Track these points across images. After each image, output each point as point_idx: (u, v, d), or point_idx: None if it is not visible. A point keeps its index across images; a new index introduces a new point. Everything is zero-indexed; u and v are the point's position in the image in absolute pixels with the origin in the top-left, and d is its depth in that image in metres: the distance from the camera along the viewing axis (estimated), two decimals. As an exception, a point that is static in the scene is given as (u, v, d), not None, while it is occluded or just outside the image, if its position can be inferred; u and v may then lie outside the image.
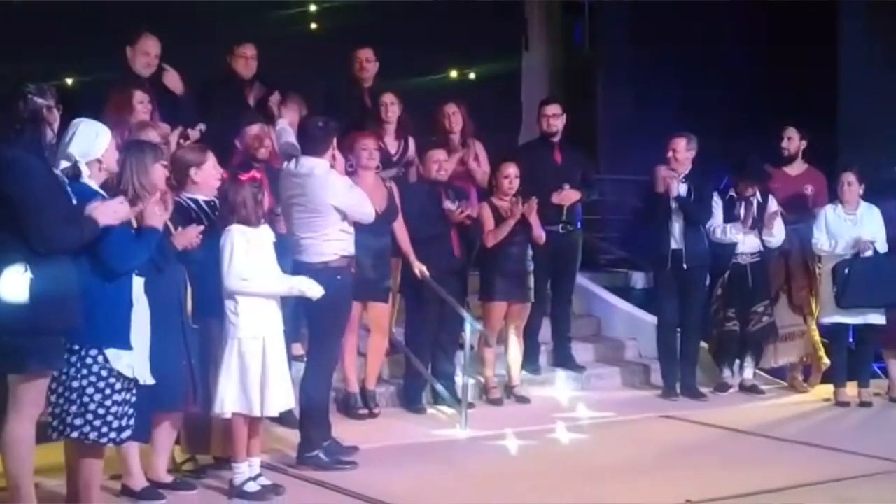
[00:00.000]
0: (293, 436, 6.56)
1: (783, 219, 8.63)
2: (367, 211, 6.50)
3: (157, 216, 5.31)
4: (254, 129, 7.14)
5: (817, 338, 8.82)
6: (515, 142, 10.54)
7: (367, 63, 8.73)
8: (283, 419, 6.53)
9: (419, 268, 7.65)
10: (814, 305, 8.74)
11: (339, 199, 6.32)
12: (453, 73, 10.78)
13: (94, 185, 5.12)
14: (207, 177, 6.00)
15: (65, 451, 5.27)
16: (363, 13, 9.95)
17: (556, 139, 8.80)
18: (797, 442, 7.30)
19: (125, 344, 5.12)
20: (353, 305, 6.85)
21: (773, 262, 8.73)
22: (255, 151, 7.06)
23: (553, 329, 8.97)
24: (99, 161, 5.14)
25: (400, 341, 8.11)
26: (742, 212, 8.50)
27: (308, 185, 6.30)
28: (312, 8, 9.74)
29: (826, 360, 8.79)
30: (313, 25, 9.68)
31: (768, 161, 8.95)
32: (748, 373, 8.82)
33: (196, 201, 5.97)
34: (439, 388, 7.86)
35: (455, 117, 8.51)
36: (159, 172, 5.52)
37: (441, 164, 7.85)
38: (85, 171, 5.07)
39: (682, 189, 8.42)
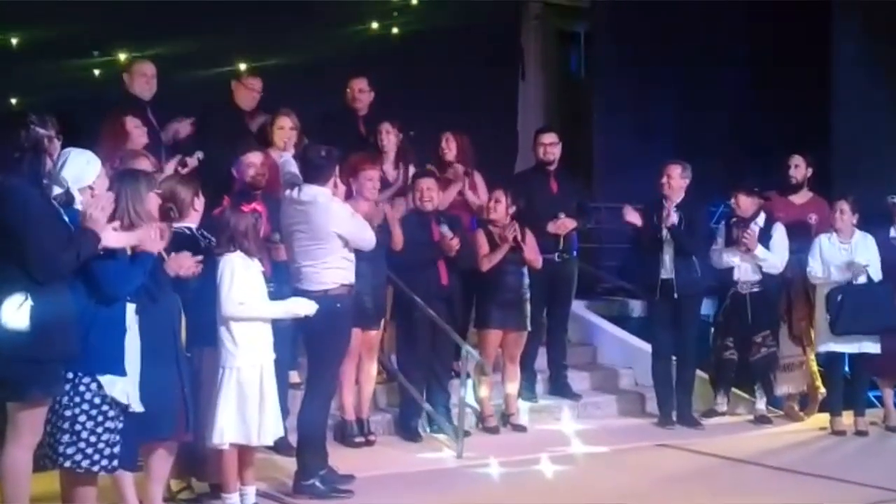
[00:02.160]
0: (289, 464, 6.55)
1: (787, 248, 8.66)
2: (367, 238, 6.53)
3: (152, 241, 5.32)
4: (250, 157, 7.16)
5: (815, 367, 8.83)
6: (512, 170, 10.58)
7: (361, 93, 8.78)
8: (278, 447, 6.52)
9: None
10: (813, 335, 8.75)
11: (342, 226, 6.34)
12: (450, 102, 10.82)
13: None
14: (200, 205, 6.03)
15: (60, 480, 5.26)
16: (359, 42, 10.01)
17: (552, 168, 8.84)
18: (793, 471, 7.29)
19: (120, 370, 5.13)
20: (352, 333, 6.87)
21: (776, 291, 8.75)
22: (252, 179, 7.07)
23: (549, 357, 8.98)
24: (91, 188, 5.16)
25: (395, 369, 8.12)
26: (738, 235, 8.52)
27: (311, 213, 6.32)
28: (310, 37, 9.78)
29: (823, 390, 8.80)
30: (310, 54, 9.72)
31: (771, 188, 8.98)
32: (760, 404, 8.80)
33: (191, 229, 5.99)
34: (435, 415, 7.86)
35: (449, 144, 8.54)
36: (153, 201, 5.54)
37: (425, 191, 7.87)
38: (77, 197, 5.10)
39: (674, 218, 8.43)
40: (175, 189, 5.96)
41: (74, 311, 4.94)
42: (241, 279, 5.80)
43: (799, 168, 9.01)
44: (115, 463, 5.14)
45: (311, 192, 6.36)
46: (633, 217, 8.43)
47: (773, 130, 11.03)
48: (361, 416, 7.67)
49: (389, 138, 8.39)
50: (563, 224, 8.66)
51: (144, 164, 6.29)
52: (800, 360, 8.81)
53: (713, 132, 11.66)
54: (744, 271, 8.58)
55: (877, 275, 8.39)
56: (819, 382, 8.83)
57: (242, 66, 8.65)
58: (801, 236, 8.73)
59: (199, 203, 6.02)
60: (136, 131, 7.16)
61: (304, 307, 5.97)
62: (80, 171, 5.15)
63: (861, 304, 8.21)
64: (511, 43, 12.13)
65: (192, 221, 5.99)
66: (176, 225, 5.85)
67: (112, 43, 8.95)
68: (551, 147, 8.82)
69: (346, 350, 6.70)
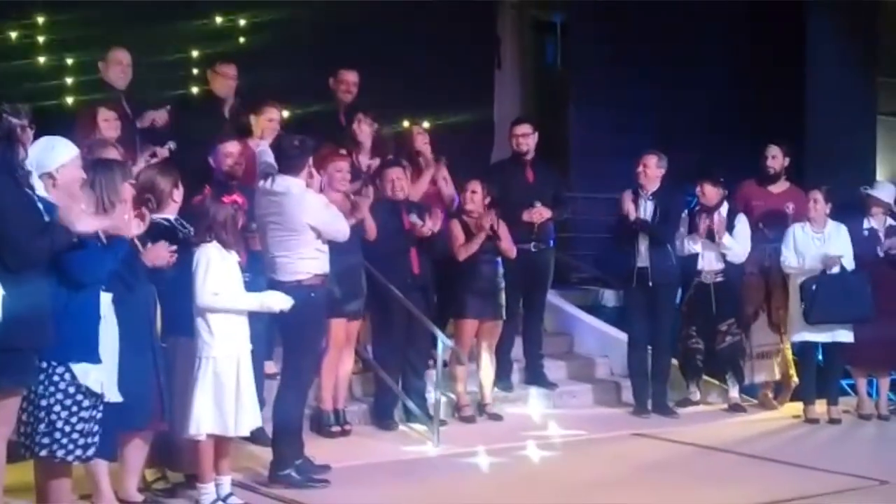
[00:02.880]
0: (265, 454, 6.54)
1: (763, 236, 8.70)
2: (341, 229, 6.52)
3: (126, 226, 5.29)
4: (228, 146, 7.14)
5: (790, 356, 8.89)
6: (488, 160, 10.58)
7: (354, 87, 8.75)
8: (254, 437, 6.51)
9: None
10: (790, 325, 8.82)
11: (315, 217, 6.34)
12: (426, 91, 10.81)
13: (55, 200, 5.09)
14: (179, 196, 6.01)
15: (34, 471, 5.25)
16: (334, 32, 9.96)
17: (528, 158, 8.86)
18: (767, 459, 7.34)
19: (94, 357, 5.12)
20: (332, 323, 6.84)
21: (753, 279, 8.79)
22: (229, 169, 7.05)
23: (525, 347, 9.00)
24: (51, 176, 5.09)
25: (370, 358, 8.12)
26: (701, 223, 8.56)
27: (284, 203, 6.32)
28: (287, 27, 9.74)
29: (796, 379, 8.86)
30: (287, 44, 9.68)
31: (751, 178, 9.03)
32: (733, 392, 8.86)
33: (169, 220, 5.97)
34: (411, 405, 7.87)
35: (420, 136, 8.56)
36: (128, 190, 5.51)
37: (395, 181, 7.87)
38: (38, 184, 5.03)
39: (649, 207, 8.47)
40: (154, 179, 5.94)
41: (48, 299, 4.91)
42: (217, 270, 5.79)
43: (776, 158, 9.05)
44: (91, 452, 5.14)
45: (285, 183, 6.35)
46: (629, 205, 8.43)
47: (749, 123, 11.10)
48: (337, 407, 7.66)
49: (362, 128, 8.36)
50: (538, 213, 8.68)
51: (112, 153, 6.25)
52: (776, 348, 8.86)
53: (690, 124, 11.70)
54: (707, 261, 8.62)
55: (850, 264, 8.44)
56: (793, 371, 8.89)
57: (216, 53, 8.58)
58: (779, 226, 8.78)
59: (178, 194, 6.01)
60: (105, 124, 7.11)
61: (279, 302, 5.96)
62: (43, 156, 5.09)
63: (835, 293, 8.27)
64: (487, 32, 12.11)
65: (170, 212, 5.97)
66: (154, 215, 5.83)
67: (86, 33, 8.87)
68: (525, 138, 8.84)
69: (322, 340, 6.70)
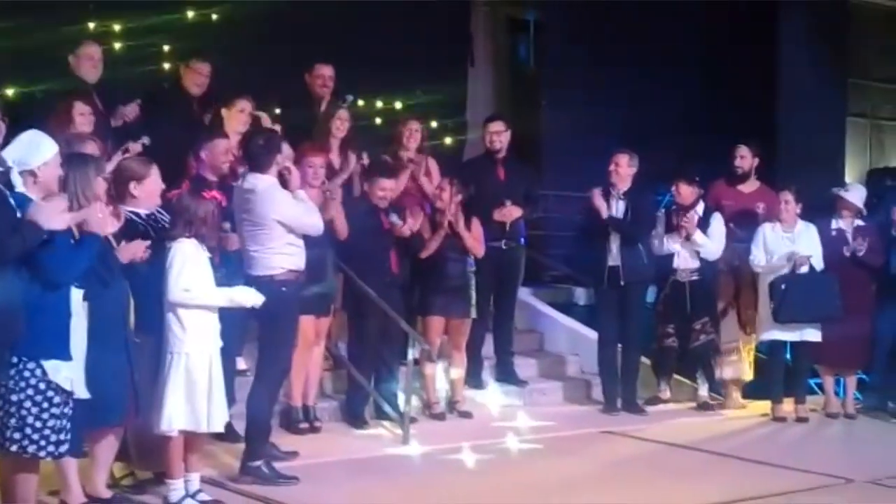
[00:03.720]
0: (234, 451, 6.54)
1: (733, 235, 8.75)
2: (312, 223, 6.54)
3: (99, 222, 5.27)
4: (222, 143, 7.13)
5: (751, 356, 8.94)
6: (460, 157, 10.59)
7: (330, 80, 8.74)
8: (223, 434, 6.49)
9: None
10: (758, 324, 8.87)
11: (282, 212, 6.36)
12: (398, 88, 10.82)
13: (34, 196, 5.08)
14: (149, 191, 5.98)
15: (0, 465, 5.22)
16: (307, 29, 9.94)
17: (500, 156, 8.87)
18: (735, 457, 7.39)
19: (65, 354, 5.11)
20: (300, 319, 6.85)
21: (723, 277, 8.84)
22: (221, 166, 7.06)
23: (496, 344, 9.02)
24: (33, 174, 5.08)
25: (342, 356, 8.12)
26: (677, 221, 8.60)
27: (252, 200, 6.37)
28: (260, 24, 9.71)
29: (748, 378, 8.90)
30: (262, 41, 9.66)
31: (717, 178, 9.08)
32: (703, 391, 8.90)
33: (137, 214, 5.94)
34: (381, 402, 7.87)
35: (415, 135, 8.59)
36: (101, 185, 5.49)
37: (388, 192, 7.88)
38: (17, 180, 5.02)
39: (621, 206, 8.50)
40: (115, 172, 5.93)
41: (18, 295, 4.88)
42: (191, 266, 5.77)
43: (745, 158, 9.10)
44: (62, 449, 5.12)
45: (253, 179, 6.41)
46: (600, 202, 8.45)
47: (722, 123, 11.14)
48: (307, 403, 7.66)
49: (344, 126, 8.35)
50: (509, 212, 8.70)
51: (91, 147, 6.23)
52: (737, 345, 8.89)
53: (662, 123, 11.74)
54: (683, 259, 8.67)
55: (819, 264, 8.51)
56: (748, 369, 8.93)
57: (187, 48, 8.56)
58: (750, 226, 8.83)
59: (140, 189, 5.94)
60: (80, 118, 7.08)
61: (249, 298, 5.96)
62: (26, 153, 5.09)
63: (804, 293, 8.33)
64: (460, 30, 12.11)
65: (138, 206, 5.93)
66: (126, 208, 5.82)
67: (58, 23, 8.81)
68: (498, 135, 8.86)
69: (295, 335, 6.70)
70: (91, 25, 8.68)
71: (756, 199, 9.07)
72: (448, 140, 10.78)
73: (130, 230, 5.73)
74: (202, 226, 5.81)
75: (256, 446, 6.36)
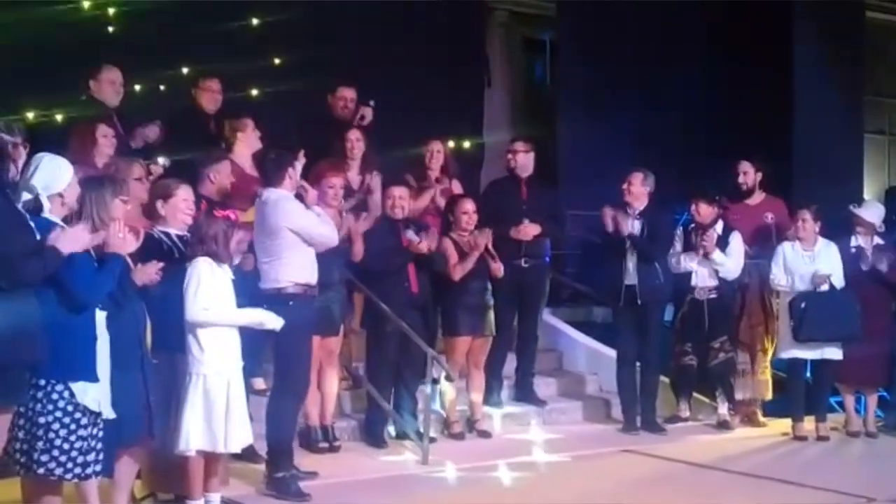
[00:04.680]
0: (253, 471, 6.55)
1: (746, 254, 8.73)
2: (324, 232, 6.56)
3: (119, 243, 5.30)
4: (228, 165, 7.19)
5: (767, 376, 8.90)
6: (478, 177, 10.61)
7: (351, 103, 8.85)
8: (244, 454, 6.51)
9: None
10: (767, 342, 8.82)
11: (294, 221, 6.41)
12: (415, 109, 10.85)
13: (56, 219, 5.13)
14: (175, 210, 6.03)
15: (22, 487, 5.24)
16: (323, 50, 9.99)
17: (524, 176, 8.89)
18: (756, 476, 7.35)
19: (91, 376, 5.12)
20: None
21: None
22: (228, 187, 7.11)
23: (518, 364, 9.01)
24: (61, 196, 5.15)
25: (361, 376, 8.12)
26: (697, 240, 8.60)
27: (265, 212, 6.46)
28: (276, 42, 9.78)
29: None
30: (277, 61, 9.73)
31: (727, 195, 9.07)
32: (722, 409, 8.86)
33: (168, 234, 5.99)
34: (400, 421, 7.87)
35: (437, 155, 8.63)
36: (119, 207, 5.52)
37: (396, 199, 7.90)
38: (46, 205, 5.08)
39: (636, 226, 8.50)
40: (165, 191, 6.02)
41: (39, 317, 4.91)
42: (208, 284, 5.79)
43: (748, 174, 9.11)
44: (88, 470, 5.13)
45: (267, 193, 6.52)
46: (619, 219, 8.45)
47: (738, 141, 11.13)
48: (325, 423, 7.66)
49: (359, 146, 8.42)
50: (526, 230, 8.70)
51: (138, 171, 6.34)
52: (750, 366, 8.85)
53: (678, 142, 11.76)
54: (701, 277, 8.64)
55: (839, 283, 8.48)
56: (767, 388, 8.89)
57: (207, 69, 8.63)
58: (762, 239, 8.82)
59: (167, 208, 6.03)
60: (104, 140, 7.15)
61: (270, 320, 5.97)
62: (51, 177, 5.13)
63: (824, 311, 8.28)
64: (477, 50, 12.16)
65: (168, 226, 6.01)
66: (158, 228, 5.90)
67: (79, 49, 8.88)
68: (522, 155, 8.88)
69: (311, 351, 6.71)
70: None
71: (763, 210, 9.07)
72: (466, 160, 10.80)
73: (154, 250, 5.77)
74: (213, 244, 5.84)
75: (281, 458, 6.39)
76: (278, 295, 6.32)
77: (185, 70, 9.22)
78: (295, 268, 6.41)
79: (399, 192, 7.95)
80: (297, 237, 6.42)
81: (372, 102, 8.94)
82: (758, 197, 9.15)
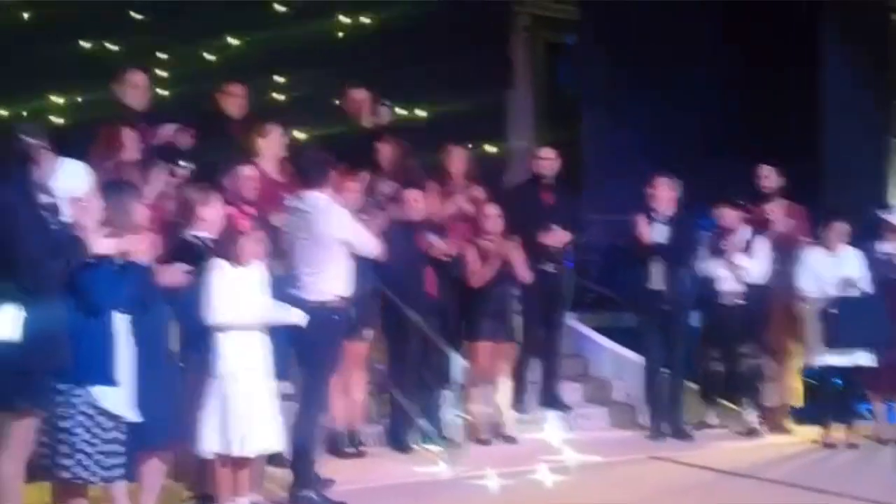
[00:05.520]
0: (283, 475, 6.50)
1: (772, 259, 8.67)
2: (370, 242, 6.49)
3: (142, 251, 5.29)
4: (245, 170, 7.14)
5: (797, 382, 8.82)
6: (501, 182, 10.57)
7: (364, 104, 8.76)
8: (274, 458, 6.47)
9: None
10: (795, 348, 8.74)
11: (345, 231, 6.31)
12: (439, 114, 10.84)
13: (81, 221, 5.11)
14: (213, 214, 6.01)
15: (52, 491, 5.23)
16: (347, 52, 9.98)
17: (548, 181, 8.85)
18: (785, 483, 7.28)
19: (110, 380, 5.11)
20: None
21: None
22: (247, 192, 7.06)
23: (544, 369, 8.95)
24: (81, 200, 5.14)
25: (386, 380, 8.08)
26: (724, 244, 8.53)
27: (311, 219, 6.27)
28: (298, 47, 9.78)
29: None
30: (305, 66, 9.72)
31: (750, 199, 9.01)
32: (750, 416, 8.78)
33: (199, 238, 5.98)
34: (426, 427, 7.82)
35: (457, 160, 8.59)
36: (140, 212, 5.50)
37: (411, 202, 7.85)
38: (67, 209, 5.05)
39: (664, 231, 8.44)
40: (180, 198, 5.98)
41: (64, 322, 4.91)
42: (220, 287, 5.77)
43: (769, 178, 9.05)
44: (115, 473, 5.12)
45: (311, 197, 6.32)
46: (643, 228, 8.39)
47: (765, 145, 11.06)
48: (352, 428, 7.62)
49: (386, 152, 8.37)
50: (557, 236, 8.66)
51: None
52: (779, 373, 8.78)
53: (703, 146, 11.69)
54: (728, 283, 8.58)
55: (866, 287, 8.39)
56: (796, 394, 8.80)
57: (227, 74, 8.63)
58: (783, 247, 8.74)
59: (208, 211, 6.02)
60: (130, 143, 7.13)
61: (294, 316, 5.93)
62: (73, 182, 5.13)
63: (855, 317, 8.20)
64: (500, 55, 12.12)
65: (204, 230, 5.98)
66: (191, 232, 5.89)
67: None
68: (548, 162, 8.87)
69: (340, 361, 6.67)
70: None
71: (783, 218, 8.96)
72: (489, 164, 10.77)
73: (186, 253, 5.74)
74: (233, 246, 5.80)
75: (304, 475, 6.30)
76: (321, 308, 6.18)
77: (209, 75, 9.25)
78: (340, 281, 6.28)
79: (413, 194, 7.90)
80: (343, 247, 6.30)
81: (388, 102, 8.86)
82: (779, 204, 9.06)
